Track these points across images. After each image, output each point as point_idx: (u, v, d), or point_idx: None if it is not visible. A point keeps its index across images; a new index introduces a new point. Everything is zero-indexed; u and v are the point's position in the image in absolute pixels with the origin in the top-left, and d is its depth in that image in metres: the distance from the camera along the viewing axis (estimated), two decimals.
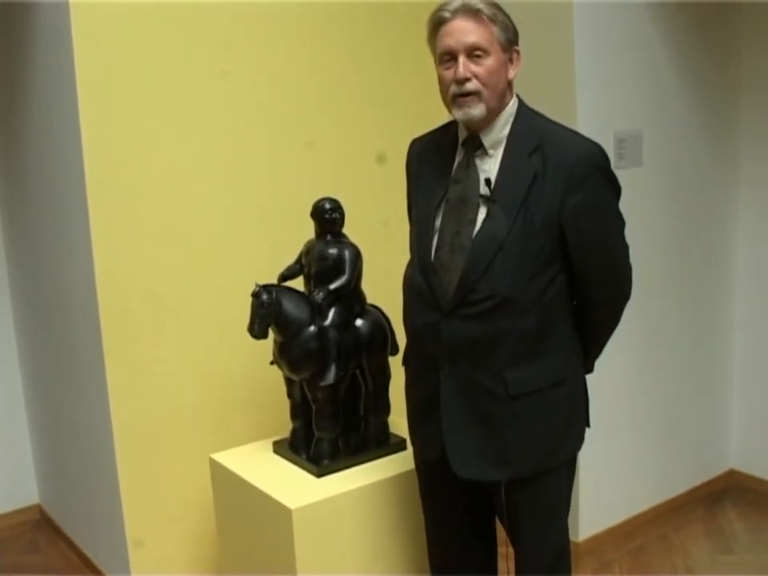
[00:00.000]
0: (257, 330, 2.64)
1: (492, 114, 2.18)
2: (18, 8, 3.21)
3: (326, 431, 2.73)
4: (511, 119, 2.21)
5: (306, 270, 2.78)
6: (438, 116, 2.22)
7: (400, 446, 2.81)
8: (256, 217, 3.22)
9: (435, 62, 2.21)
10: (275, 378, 2.84)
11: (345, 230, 2.78)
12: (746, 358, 3.88)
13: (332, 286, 2.67)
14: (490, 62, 2.12)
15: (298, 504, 2.52)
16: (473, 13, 2.12)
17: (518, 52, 2.20)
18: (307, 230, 2.79)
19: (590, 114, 3.19)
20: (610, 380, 3.23)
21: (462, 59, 2.12)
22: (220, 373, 3.18)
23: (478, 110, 2.14)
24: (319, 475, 2.68)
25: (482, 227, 2.15)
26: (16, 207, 3.70)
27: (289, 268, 2.82)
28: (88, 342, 3.10)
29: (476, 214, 2.17)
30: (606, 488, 3.49)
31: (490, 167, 2.20)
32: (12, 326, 3.94)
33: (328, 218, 2.72)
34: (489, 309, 2.14)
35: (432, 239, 2.24)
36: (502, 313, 2.14)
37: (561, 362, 2.23)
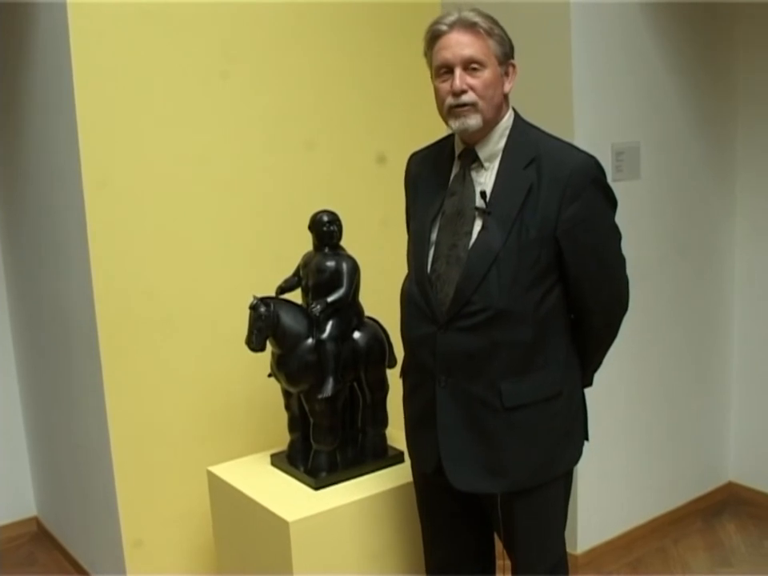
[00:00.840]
0: (255, 342, 2.64)
1: (488, 127, 2.19)
2: (15, 8, 3.21)
3: (324, 444, 2.73)
4: (507, 132, 2.22)
5: (303, 283, 2.78)
6: (438, 117, 2.23)
7: (398, 458, 2.81)
8: (255, 223, 3.22)
9: (431, 75, 2.22)
10: (273, 390, 2.84)
11: (345, 231, 2.78)
12: (744, 369, 3.88)
13: (330, 299, 2.67)
14: (486, 74, 2.14)
15: (296, 517, 2.52)
16: (469, 26, 2.13)
17: (513, 66, 2.21)
18: (306, 237, 2.79)
19: (588, 127, 3.19)
20: (607, 392, 3.23)
21: (458, 72, 2.13)
22: (218, 385, 3.18)
23: (474, 121, 2.15)
24: (317, 488, 2.68)
25: (477, 239, 2.16)
26: (14, 215, 3.70)
27: (287, 280, 2.82)
28: (86, 354, 3.10)
29: (472, 227, 2.18)
30: (605, 500, 3.49)
31: (485, 180, 2.21)
32: (10, 337, 3.93)
33: (326, 230, 2.72)
34: (484, 321, 2.14)
35: (428, 251, 2.25)
36: (498, 325, 2.14)
37: (557, 375, 2.23)
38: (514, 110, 2.27)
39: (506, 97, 2.22)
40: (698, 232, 3.71)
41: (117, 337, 2.99)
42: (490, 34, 2.14)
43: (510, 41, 2.20)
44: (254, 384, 3.02)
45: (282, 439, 2.91)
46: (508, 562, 2.41)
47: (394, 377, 2.64)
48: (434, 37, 2.18)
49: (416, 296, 2.26)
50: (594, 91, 3.23)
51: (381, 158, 3.43)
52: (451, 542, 2.47)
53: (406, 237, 2.43)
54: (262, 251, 3.22)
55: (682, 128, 3.57)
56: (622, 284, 2.31)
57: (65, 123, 2.94)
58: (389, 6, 3.45)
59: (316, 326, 2.69)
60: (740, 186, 3.79)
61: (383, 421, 2.86)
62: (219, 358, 3.16)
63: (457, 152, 2.28)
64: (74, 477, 3.50)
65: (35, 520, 4.03)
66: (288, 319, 2.66)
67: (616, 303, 2.31)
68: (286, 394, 2.82)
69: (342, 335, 2.71)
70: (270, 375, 2.79)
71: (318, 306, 2.65)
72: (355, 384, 2.81)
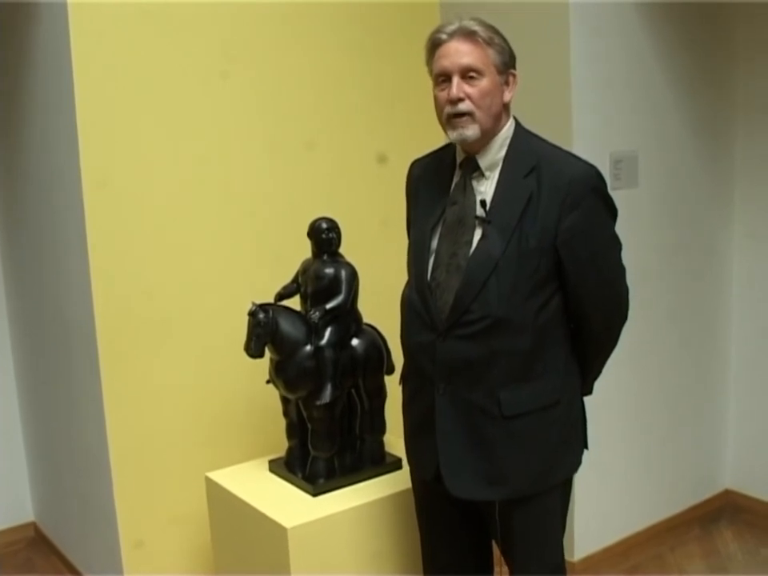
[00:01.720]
0: (253, 348, 2.65)
1: (487, 136, 2.20)
2: (16, 8, 3.21)
3: (322, 450, 2.73)
4: (508, 141, 2.23)
5: (302, 290, 2.78)
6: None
7: (396, 465, 2.81)
8: (255, 224, 3.22)
9: (432, 83, 2.23)
10: (271, 396, 2.84)
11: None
12: (741, 377, 3.88)
13: (328, 306, 2.68)
14: (484, 83, 2.14)
15: (294, 523, 2.52)
16: (469, 35, 2.14)
17: (514, 75, 2.21)
18: (306, 237, 2.79)
19: (587, 136, 3.20)
20: (605, 399, 3.22)
21: (455, 80, 2.14)
22: (216, 391, 3.18)
23: (471, 131, 2.16)
24: (315, 494, 2.68)
25: (477, 248, 2.17)
26: (14, 216, 3.70)
27: (285, 287, 2.83)
28: (85, 360, 3.10)
29: (472, 235, 2.19)
30: (602, 507, 3.49)
31: (486, 189, 2.21)
32: (8, 340, 3.93)
33: (325, 237, 2.73)
34: (483, 329, 2.15)
35: (428, 259, 2.26)
36: (497, 333, 2.15)
37: (556, 383, 2.23)
38: (515, 119, 2.27)
39: (506, 106, 2.23)
40: (697, 240, 3.72)
41: (116, 341, 3.00)
42: (489, 43, 2.15)
43: (510, 50, 2.20)
44: (253, 390, 3.02)
45: (280, 445, 2.91)
46: (506, 569, 2.41)
47: (392, 384, 2.64)
48: (434, 45, 2.19)
49: (416, 303, 2.26)
50: (593, 100, 3.24)
51: (381, 158, 3.44)
52: (450, 549, 2.47)
53: (406, 237, 2.44)
54: (262, 253, 3.22)
55: (680, 136, 3.59)
56: (622, 293, 2.31)
57: (65, 123, 2.94)
58: (388, 6, 3.46)
59: (315, 332, 2.69)
60: (738, 193, 3.80)
61: (381, 427, 2.86)
62: (218, 365, 3.16)
63: (458, 161, 2.29)
64: (73, 482, 3.50)
65: (33, 525, 4.03)
66: (287, 326, 2.67)
67: (616, 312, 2.31)
68: (285, 401, 2.83)
69: (340, 342, 2.72)
70: (268, 381, 2.79)
71: (317, 313, 2.66)
72: (353, 391, 2.82)
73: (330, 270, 2.71)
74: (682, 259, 3.66)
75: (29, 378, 3.84)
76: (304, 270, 2.78)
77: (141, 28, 2.95)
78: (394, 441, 2.80)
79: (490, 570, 2.53)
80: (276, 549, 2.55)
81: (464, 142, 2.19)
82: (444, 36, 2.16)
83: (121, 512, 3.07)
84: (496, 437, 2.20)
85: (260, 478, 2.85)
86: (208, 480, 2.90)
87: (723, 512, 3.92)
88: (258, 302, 2.66)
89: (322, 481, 2.71)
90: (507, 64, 2.19)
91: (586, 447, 2.40)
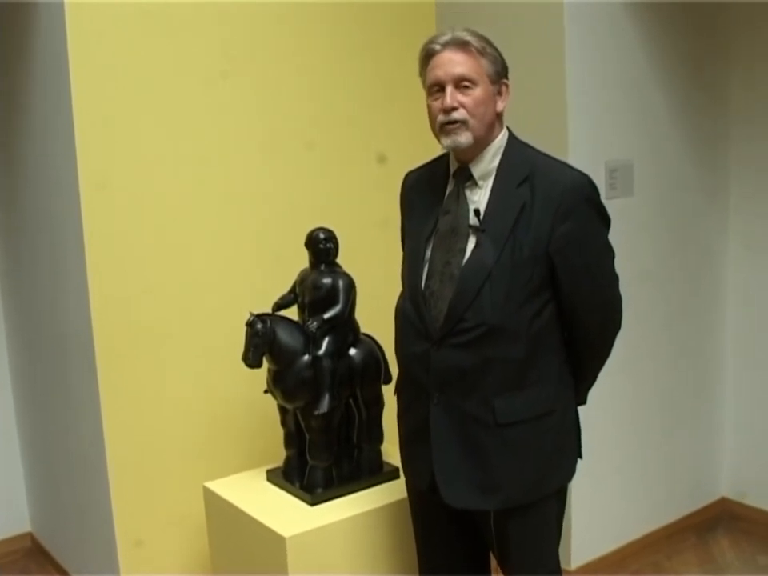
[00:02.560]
0: (251, 358, 2.66)
1: (480, 145, 2.22)
2: (13, 9, 3.21)
3: (320, 460, 2.74)
4: (501, 151, 2.25)
5: (300, 300, 2.80)
6: None
7: (393, 474, 2.82)
8: (255, 225, 3.23)
9: (425, 94, 2.25)
10: (269, 406, 2.85)
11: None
12: (737, 386, 3.89)
13: (326, 316, 2.69)
14: (477, 92, 2.16)
15: (292, 532, 2.53)
16: (461, 45, 2.17)
17: (506, 85, 2.24)
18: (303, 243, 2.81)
19: (582, 145, 3.22)
20: (601, 408, 3.24)
21: (449, 89, 2.16)
22: (214, 401, 3.18)
23: (464, 138, 2.17)
24: (313, 503, 2.69)
25: (470, 257, 2.18)
26: (12, 221, 3.69)
27: (283, 297, 2.84)
28: (82, 370, 3.10)
29: (466, 244, 2.20)
30: (599, 516, 3.50)
31: (479, 198, 2.23)
32: (6, 352, 3.92)
33: (322, 247, 2.75)
34: (477, 338, 2.16)
35: (422, 269, 2.27)
36: (491, 341, 2.16)
37: (550, 392, 2.24)
38: (508, 129, 2.29)
39: (499, 116, 2.25)
40: (692, 249, 3.73)
41: (113, 353, 3.00)
42: (482, 52, 2.17)
43: (503, 60, 2.23)
44: (251, 400, 3.03)
45: (277, 455, 2.92)
46: None
47: (389, 393, 2.65)
48: (427, 56, 2.22)
49: (410, 313, 2.28)
50: (589, 109, 3.26)
51: (381, 158, 3.45)
52: (446, 558, 2.47)
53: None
54: (262, 254, 3.23)
55: (675, 146, 3.60)
56: (615, 302, 2.32)
57: (62, 124, 2.94)
58: (388, 6, 3.48)
59: (312, 342, 2.70)
60: (733, 202, 3.81)
61: (378, 437, 2.87)
62: (215, 375, 3.16)
63: (451, 170, 2.31)
64: (70, 491, 3.50)
65: (29, 536, 4.02)
66: (284, 336, 2.68)
67: (609, 321, 2.32)
68: (282, 410, 2.84)
69: (338, 352, 2.73)
70: (266, 391, 2.80)
71: (315, 323, 2.67)
72: (351, 400, 2.83)
73: (327, 280, 2.72)
74: (677, 268, 3.67)
75: (25, 386, 3.84)
76: (302, 280, 2.79)
77: (140, 28, 2.96)
78: (392, 450, 2.81)
79: None
80: (274, 558, 2.55)
81: (457, 148, 2.21)
82: (437, 47, 2.19)
83: (118, 521, 3.07)
84: (490, 445, 2.21)
85: (258, 487, 2.86)
86: (206, 489, 2.91)
87: (720, 520, 3.92)
88: (256, 312, 2.67)
89: (319, 490, 2.72)
90: (500, 74, 2.21)
91: (581, 456, 2.41)
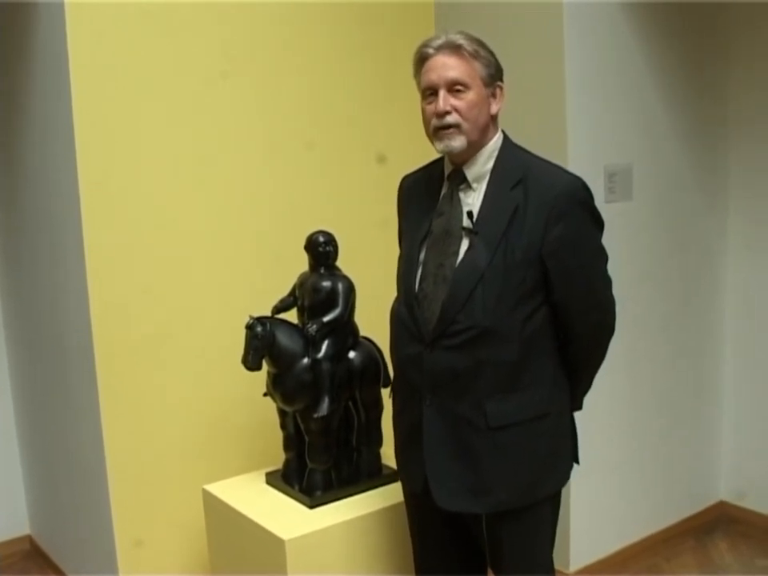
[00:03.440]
0: (251, 361, 2.65)
1: (474, 148, 2.22)
2: (13, 9, 3.21)
3: (319, 462, 2.74)
4: (495, 154, 2.25)
5: (299, 303, 2.79)
6: None
7: (392, 477, 2.81)
8: (255, 225, 3.23)
9: (420, 97, 2.25)
10: (268, 409, 2.85)
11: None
12: (735, 389, 3.90)
13: (325, 319, 2.69)
14: (470, 96, 2.16)
15: (291, 535, 2.53)
16: (454, 49, 2.17)
17: (501, 88, 2.24)
18: (305, 239, 2.80)
19: (581, 149, 3.22)
20: (600, 411, 3.26)
21: (442, 93, 2.16)
22: (213, 404, 3.18)
23: (458, 143, 2.18)
24: (312, 506, 2.69)
25: (463, 259, 2.18)
26: (11, 222, 3.69)
27: (282, 300, 2.84)
28: (81, 371, 3.10)
29: (459, 246, 2.20)
30: (597, 519, 3.50)
31: (473, 201, 2.23)
32: (5, 355, 3.93)
33: (322, 251, 2.74)
34: (470, 339, 2.16)
35: (416, 271, 2.27)
36: (483, 344, 2.15)
37: (543, 396, 2.23)
38: (503, 132, 2.29)
39: (493, 119, 2.24)
40: (691, 250, 3.74)
41: (113, 356, 3.00)
42: (475, 56, 2.17)
43: (497, 63, 2.23)
44: (250, 403, 3.03)
45: (277, 458, 2.91)
46: None
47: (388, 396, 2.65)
48: (420, 59, 2.22)
49: (404, 316, 2.28)
50: (588, 113, 3.26)
51: (381, 158, 3.45)
52: (442, 562, 2.47)
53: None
54: (262, 256, 3.23)
55: (674, 149, 3.60)
56: (609, 305, 2.31)
57: (62, 124, 2.93)
58: (388, 6, 3.48)
59: (312, 345, 2.70)
60: (733, 204, 3.81)
61: (378, 440, 2.87)
62: (215, 378, 3.16)
63: (446, 173, 2.31)
64: (69, 494, 3.50)
65: (28, 538, 4.02)
66: (284, 339, 2.68)
67: (602, 324, 2.31)
68: (282, 413, 2.84)
69: (337, 355, 2.73)
70: (265, 394, 2.80)
71: (314, 326, 2.67)
72: (350, 403, 2.82)
73: (327, 283, 2.72)
74: (676, 270, 3.68)
75: (25, 387, 3.84)
76: (301, 283, 2.79)
77: (140, 28, 2.96)
78: (391, 453, 2.79)
79: None
80: (273, 561, 2.55)
81: (450, 153, 2.21)
82: (430, 50, 2.19)
83: (117, 523, 3.07)
84: (482, 448, 2.21)
85: (257, 490, 2.86)
86: (205, 492, 2.90)
87: (718, 523, 3.93)
88: (256, 314, 2.67)
89: (319, 493, 2.72)
90: (494, 76, 2.21)
91: (577, 461, 2.40)
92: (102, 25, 2.88)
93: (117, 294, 2.99)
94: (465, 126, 2.16)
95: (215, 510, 2.87)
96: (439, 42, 2.18)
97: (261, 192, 3.24)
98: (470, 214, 2.19)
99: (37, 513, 3.95)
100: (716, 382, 3.91)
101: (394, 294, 2.38)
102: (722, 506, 3.98)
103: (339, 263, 2.81)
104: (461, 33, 2.20)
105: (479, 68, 2.18)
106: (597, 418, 3.17)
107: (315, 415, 2.69)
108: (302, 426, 2.76)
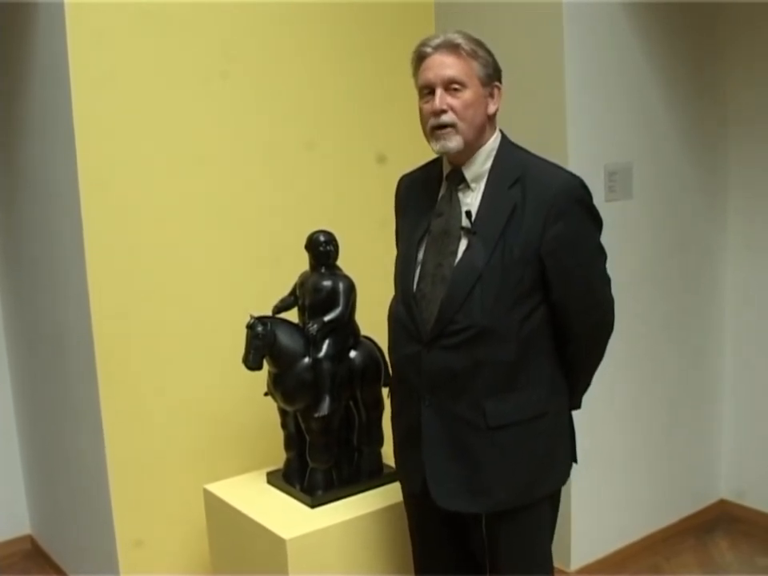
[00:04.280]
0: (251, 361, 2.65)
1: (471, 148, 2.22)
2: (13, 9, 3.20)
3: (320, 462, 2.74)
4: (493, 153, 2.25)
5: (300, 302, 2.79)
6: None
7: (393, 476, 2.80)
8: (255, 226, 3.22)
9: (418, 96, 2.25)
10: (269, 409, 2.85)
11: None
12: (735, 388, 3.90)
13: (326, 318, 2.69)
14: (467, 95, 2.17)
15: (292, 534, 2.53)
16: (452, 48, 2.17)
17: (498, 88, 2.24)
18: (305, 239, 2.80)
19: (581, 148, 3.22)
20: (599, 410, 3.26)
21: (439, 92, 2.16)
22: (214, 403, 3.18)
23: (454, 143, 2.18)
24: (313, 506, 2.69)
25: (461, 258, 2.18)
26: (12, 224, 3.69)
27: (283, 300, 2.84)
28: (82, 373, 3.10)
29: (457, 246, 2.20)
30: (598, 518, 3.50)
31: (472, 200, 2.23)
32: (5, 355, 3.92)
33: (322, 250, 2.74)
34: (468, 339, 2.16)
35: (414, 271, 2.27)
36: (481, 343, 2.15)
37: (541, 395, 2.23)
38: (501, 131, 2.29)
39: (491, 118, 2.24)
40: (691, 249, 3.74)
41: (113, 356, 2.99)
42: (472, 55, 2.18)
43: (495, 63, 2.23)
44: (251, 402, 3.03)
45: (278, 457, 2.92)
46: None
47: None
48: (419, 59, 2.22)
49: (402, 316, 2.28)
50: (588, 112, 3.26)
51: (381, 158, 3.45)
52: (441, 561, 2.48)
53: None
54: (262, 256, 3.23)
55: (674, 148, 3.61)
56: (607, 304, 2.31)
57: (62, 125, 2.93)
58: (388, 6, 3.48)
59: (313, 345, 2.70)
60: (732, 203, 3.81)
61: (378, 439, 2.87)
62: (216, 377, 3.16)
63: (444, 173, 2.31)
64: (69, 494, 3.50)
65: (29, 538, 4.02)
66: (285, 338, 2.68)
67: (601, 323, 2.31)
68: (283, 413, 2.84)
69: (338, 354, 2.73)
70: (266, 394, 2.80)
71: (315, 326, 2.67)
72: (351, 403, 2.83)
73: (327, 283, 2.72)
74: (676, 270, 3.68)
75: (26, 393, 3.84)
76: (302, 282, 2.79)
77: (140, 28, 2.96)
78: (391, 452, 2.80)
79: None
80: (275, 560, 2.55)
81: (447, 153, 2.22)
82: (428, 49, 2.20)
83: (118, 523, 3.06)
84: (480, 448, 2.21)
85: (258, 489, 2.86)
86: (206, 492, 2.91)
87: (718, 522, 3.92)
88: (256, 314, 2.67)
89: (320, 492, 2.72)
90: (491, 76, 2.21)
91: (575, 460, 2.40)
92: (101, 25, 2.88)
93: (117, 294, 2.98)
94: (461, 125, 2.17)
95: (216, 509, 2.87)
96: (437, 41, 2.19)
97: (261, 192, 3.24)
98: (468, 214, 2.19)
99: (37, 513, 3.95)
100: (716, 380, 3.91)
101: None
102: (722, 504, 3.98)
103: (340, 263, 2.81)
104: (459, 32, 2.21)
105: (477, 67, 2.18)
106: (597, 417, 3.17)
107: (316, 415, 2.69)
108: (302, 426, 2.76)
